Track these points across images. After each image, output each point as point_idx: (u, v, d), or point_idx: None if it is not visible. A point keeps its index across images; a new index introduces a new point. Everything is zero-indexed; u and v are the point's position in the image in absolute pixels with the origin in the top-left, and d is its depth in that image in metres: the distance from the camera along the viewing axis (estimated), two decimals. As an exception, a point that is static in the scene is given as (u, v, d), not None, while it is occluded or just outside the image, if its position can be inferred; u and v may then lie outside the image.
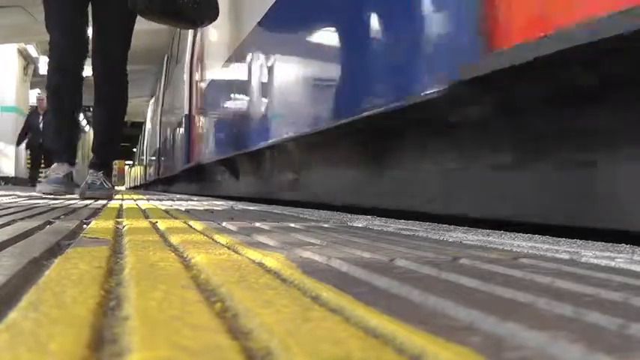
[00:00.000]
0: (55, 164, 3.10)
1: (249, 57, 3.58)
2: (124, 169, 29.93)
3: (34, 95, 15.32)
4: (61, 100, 3.12)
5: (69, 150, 3.22)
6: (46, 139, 10.57)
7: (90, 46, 3.13)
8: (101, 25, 3.11)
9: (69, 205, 2.13)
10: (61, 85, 3.09)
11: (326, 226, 1.28)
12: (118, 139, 3.45)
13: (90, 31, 3.16)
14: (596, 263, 0.69)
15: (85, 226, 1.13)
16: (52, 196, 2.85)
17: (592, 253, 0.79)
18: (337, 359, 0.30)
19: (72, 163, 3.19)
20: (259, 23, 3.27)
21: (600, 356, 0.30)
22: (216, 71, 4.83)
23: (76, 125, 3.44)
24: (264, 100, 3.16)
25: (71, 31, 3.04)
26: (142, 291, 0.46)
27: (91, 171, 3.22)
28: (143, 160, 15.26)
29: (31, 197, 2.94)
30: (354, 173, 2.38)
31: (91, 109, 3.39)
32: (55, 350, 0.30)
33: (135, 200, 2.76)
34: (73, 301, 0.42)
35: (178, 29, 7.69)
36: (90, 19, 3.14)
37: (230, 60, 4.19)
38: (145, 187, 13.62)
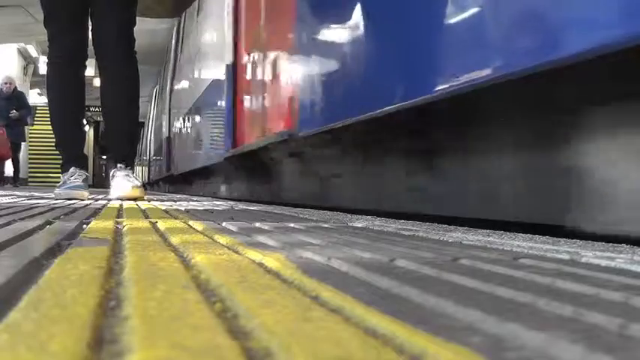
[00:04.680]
0: (72, 169, 3.06)
1: None
2: None
3: (34, 95, 15.27)
4: (66, 100, 3.07)
5: (83, 154, 3.20)
6: None
7: (91, 36, 3.04)
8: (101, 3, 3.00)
9: (69, 205, 2.13)
10: (64, 83, 3.05)
11: (326, 226, 1.28)
12: (137, 126, 3.26)
13: (89, 29, 3.11)
14: (597, 264, 0.69)
15: (84, 226, 1.13)
16: (75, 200, 2.75)
17: (592, 254, 0.79)
18: (337, 359, 0.30)
19: (87, 168, 3.16)
20: None
21: (600, 356, 0.30)
22: None
23: (83, 126, 3.37)
24: None
25: (71, 25, 2.99)
26: (141, 291, 0.46)
27: (120, 165, 2.98)
28: (145, 159, 15.08)
29: (31, 197, 2.94)
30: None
31: (93, 108, 3.24)
32: (55, 350, 0.30)
33: (135, 200, 2.76)
34: (73, 301, 0.42)
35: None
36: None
37: None
38: (145, 187, 13.16)
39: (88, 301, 0.42)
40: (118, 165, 2.98)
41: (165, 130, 9.70)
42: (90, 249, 0.73)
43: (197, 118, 6.25)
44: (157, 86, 13.08)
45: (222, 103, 4.65)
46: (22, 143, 10.76)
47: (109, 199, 2.82)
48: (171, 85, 9.18)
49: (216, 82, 5.06)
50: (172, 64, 9.21)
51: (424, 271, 0.59)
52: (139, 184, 2.93)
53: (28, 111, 10.37)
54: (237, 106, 4.30)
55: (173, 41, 9.44)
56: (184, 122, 7.31)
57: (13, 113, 9.81)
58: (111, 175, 3.03)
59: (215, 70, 5.11)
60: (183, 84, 7.66)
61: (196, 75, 6.58)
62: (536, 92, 1.43)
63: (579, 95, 1.35)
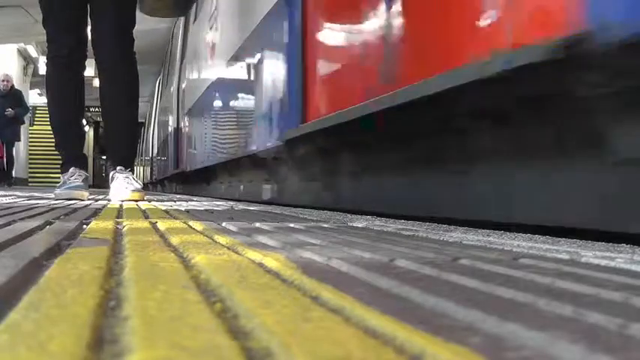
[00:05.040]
0: (72, 169, 3.05)
1: None
2: None
3: (34, 95, 15.24)
4: (65, 100, 3.08)
5: (83, 155, 3.20)
6: None
7: (90, 37, 3.04)
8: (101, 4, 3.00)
9: (69, 205, 2.13)
10: (63, 84, 3.05)
11: (326, 226, 1.27)
12: (137, 127, 3.24)
13: (89, 30, 3.11)
14: (596, 263, 0.69)
15: (84, 226, 1.13)
16: (74, 200, 2.74)
17: (592, 254, 0.79)
18: (337, 359, 0.30)
19: (87, 168, 3.16)
20: None
21: (600, 356, 0.30)
22: None
23: (83, 126, 3.37)
24: None
25: (70, 25, 2.99)
26: (141, 291, 0.46)
27: (119, 168, 2.97)
28: (148, 159, 14.85)
29: (31, 197, 2.94)
30: None
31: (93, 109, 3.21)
32: (55, 350, 0.30)
33: (135, 200, 2.76)
34: (73, 302, 0.42)
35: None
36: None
37: None
38: (148, 186, 12.09)
39: (88, 301, 0.42)
40: (118, 167, 2.98)
41: (172, 120, 7.95)
42: (90, 249, 0.73)
43: (224, 95, 4.36)
44: (161, 77, 11.50)
45: (278, 60, 2.89)
46: (18, 142, 10.29)
47: (109, 200, 2.82)
48: (182, 67, 7.33)
49: (258, 32, 3.29)
50: (182, 40, 7.30)
51: (424, 271, 0.59)
52: (139, 186, 2.93)
53: (24, 110, 9.95)
54: (309, 57, 2.55)
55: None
56: (203, 105, 5.39)
57: (9, 111, 9.40)
58: (110, 177, 3.02)
59: (255, 16, 3.34)
60: (200, 60, 5.66)
61: (222, 38, 4.53)
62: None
63: None
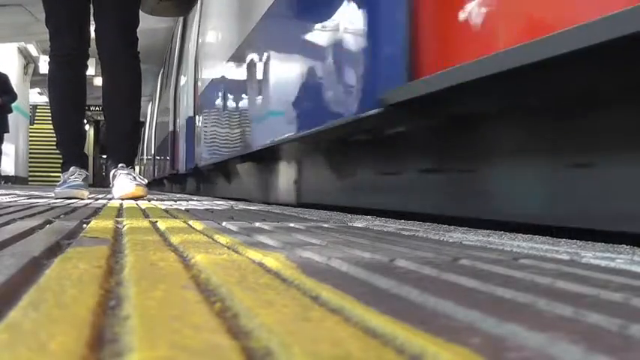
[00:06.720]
0: (73, 168, 3.05)
1: None
2: None
3: (34, 94, 15.25)
4: (66, 99, 3.07)
5: (84, 154, 3.20)
6: None
7: (93, 36, 3.04)
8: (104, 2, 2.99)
9: (69, 204, 2.13)
10: (65, 82, 3.05)
11: (326, 226, 1.27)
12: (139, 126, 3.23)
13: (91, 30, 3.10)
14: (597, 264, 0.69)
15: (84, 225, 1.13)
16: (74, 199, 2.72)
17: (592, 254, 0.79)
18: (337, 359, 0.30)
19: (87, 167, 3.16)
20: None
21: (600, 357, 0.30)
22: None
23: (84, 125, 3.37)
24: None
25: (72, 24, 2.99)
26: (142, 291, 0.46)
27: (121, 166, 2.95)
28: (144, 159, 14.67)
29: (31, 196, 2.94)
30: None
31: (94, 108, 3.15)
32: (55, 350, 0.30)
33: (136, 200, 2.76)
34: (73, 301, 0.42)
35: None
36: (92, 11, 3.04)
37: None
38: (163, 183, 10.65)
39: (88, 300, 0.42)
40: (119, 165, 2.97)
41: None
42: (90, 248, 0.73)
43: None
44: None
45: None
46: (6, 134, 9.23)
47: (109, 199, 2.82)
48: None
49: None
50: None
51: (424, 271, 0.59)
52: (143, 182, 2.93)
53: (12, 97, 8.96)
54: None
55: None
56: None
57: None
58: (112, 174, 3.01)
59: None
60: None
61: None
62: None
63: None
